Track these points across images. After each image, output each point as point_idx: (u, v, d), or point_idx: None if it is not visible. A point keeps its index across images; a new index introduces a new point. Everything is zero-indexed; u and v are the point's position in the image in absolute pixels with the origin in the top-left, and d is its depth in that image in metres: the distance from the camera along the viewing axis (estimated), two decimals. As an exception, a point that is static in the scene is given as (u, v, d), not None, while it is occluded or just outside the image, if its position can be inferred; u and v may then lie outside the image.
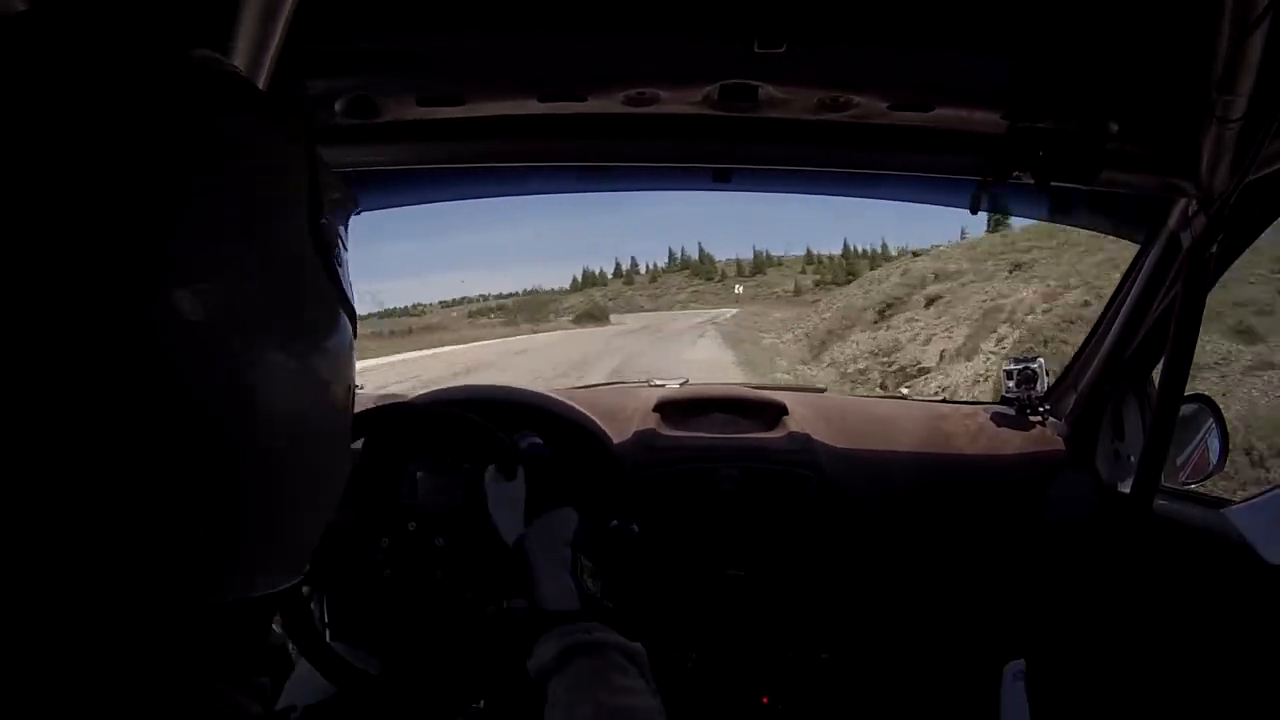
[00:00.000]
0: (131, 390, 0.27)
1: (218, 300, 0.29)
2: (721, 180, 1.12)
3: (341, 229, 0.38)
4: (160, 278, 0.27)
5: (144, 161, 0.28)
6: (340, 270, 0.37)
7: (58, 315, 0.25)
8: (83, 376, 0.26)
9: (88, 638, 0.28)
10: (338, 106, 0.88)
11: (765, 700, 1.25)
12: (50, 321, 0.25)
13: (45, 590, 0.27)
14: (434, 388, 1.28)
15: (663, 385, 1.53)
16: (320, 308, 0.35)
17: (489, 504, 0.78)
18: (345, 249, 0.38)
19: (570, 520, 0.72)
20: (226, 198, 0.30)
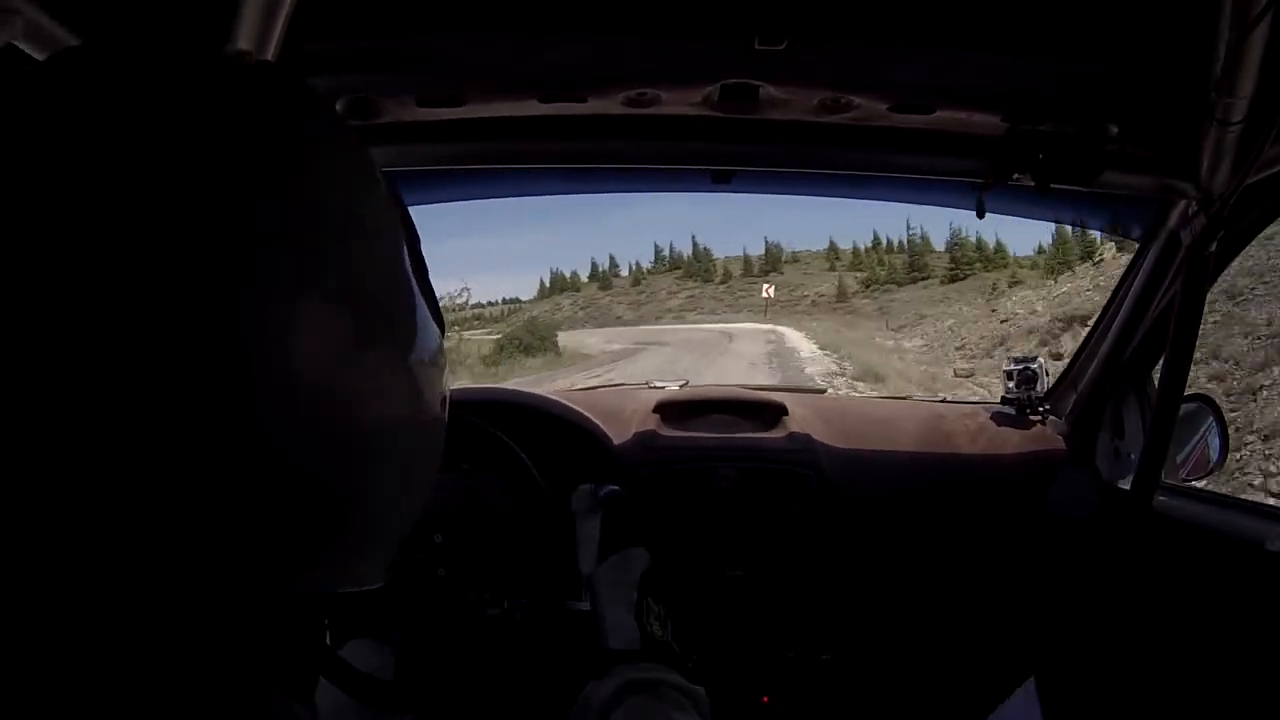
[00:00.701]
0: (232, 391, 0.27)
1: (326, 309, 0.29)
2: (722, 181, 1.12)
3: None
4: (278, 287, 0.28)
5: (246, 175, 0.28)
6: (429, 281, 0.37)
7: (165, 325, 0.26)
8: (183, 378, 0.26)
9: (163, 626, 0.29)
10: (337, 108, 0.87)
11: (765, 700, 1.25)
12: (158, 330, 0.26)
13: (119, 575, 0.28)
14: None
15: (662, 387, 1.53)
16: (417, 315, 0.35)
17: (576, 539, 0.80)
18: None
19: (640, 561, 0.73)
20: (330, 207, 0.31)
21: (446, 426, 0.39)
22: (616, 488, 0.83)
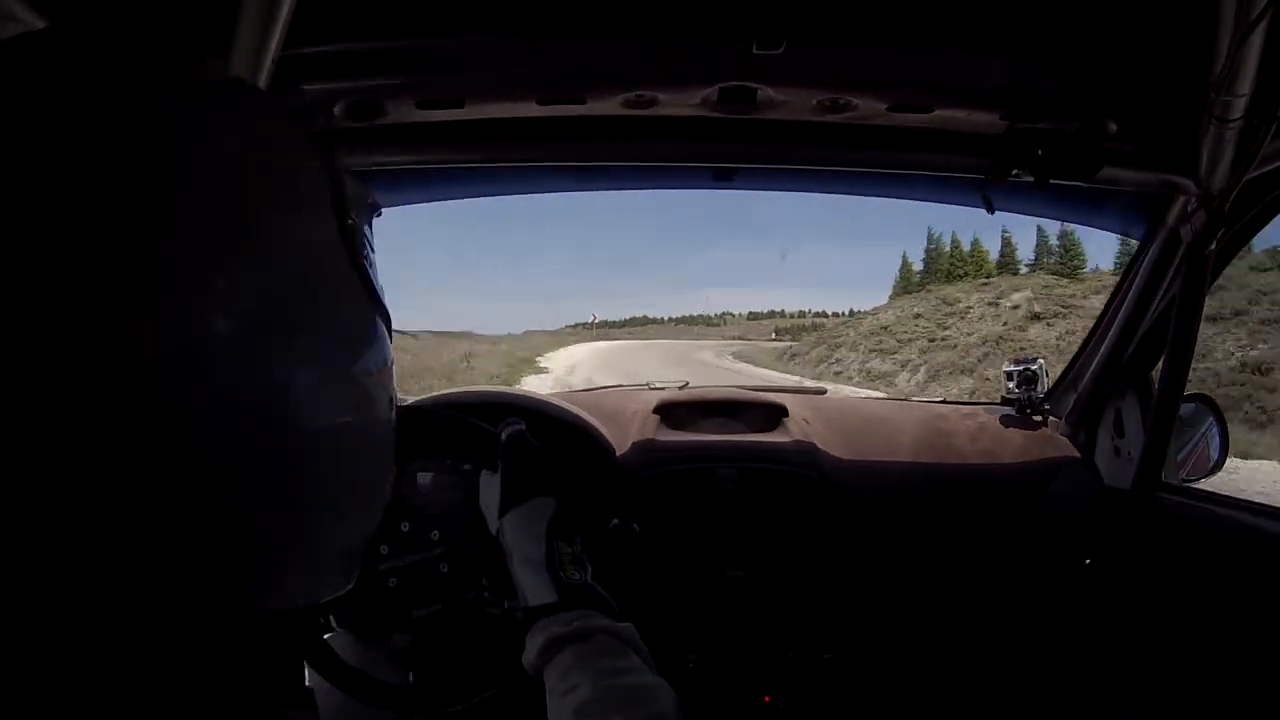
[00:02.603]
0: (151, 397, 0.26)
1: (242, 306, 0.28)
2: (723, 180, 1.12)
3: (368, 230, 0.38)
4: (173, 288, 0.27)
5: (142, 169, 0.27)
6: (371, 271, 0.36)
7: (63, 328, 0.25)
8: (98, 388, 0.25)
9: (128, 649, 0.28)
10: (337, 110, 0.87)
11: (767, 700, 1.25)
12: (56, 335, 0.25)
13: (80, 601, 0.27)
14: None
15: (663, 388, 1.53)
16: (353, 312, 0.34)
17: (480, 500, 0.77)
18: (372, 250, 0.38)
19: (545, 510, 0.69)
20: (235, 199, 0.30)
21: (396, 429, 0.38)
22: (521, 426, 0.79)
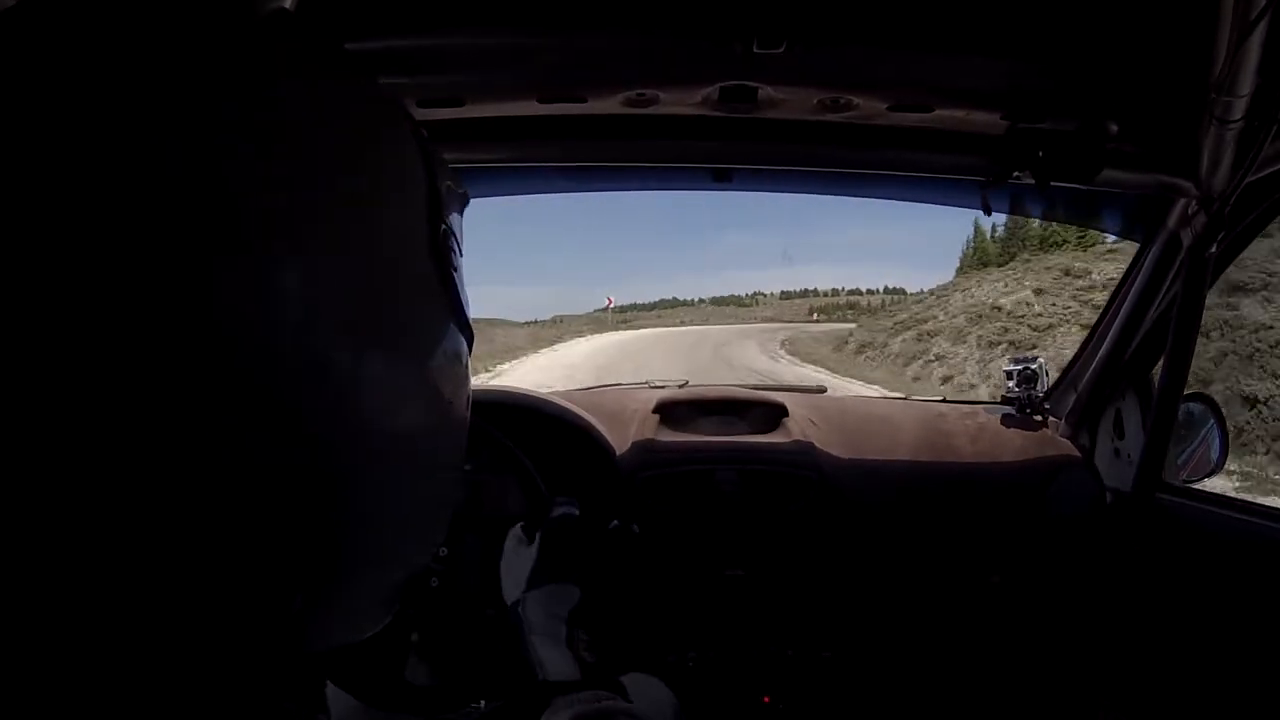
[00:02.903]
0: (195, 384, 0.22)
1: (318, 291, 0.25)
2: (722, 180, 1.12)
3: (457, 229, 0.34)
4: (230, 259, 0.23)
5: (213, 121, 0.23)
6: (456, 276, 0.33)
7: (106, 311, 0.21)
8: (132, 381, 0.21)
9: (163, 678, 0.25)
10: None
11: (766, 700, 1.25)
12: (98, 320, 0.21)
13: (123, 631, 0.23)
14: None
15: (663, 387, 1.53)
16: (431, 320, 0.31)
17: (501, 559, 0.78)
18: (460, 253, 0.34)
19: (569, 598, 0.72)
20: (314, 171, 0.26)
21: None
22: (575, 511, 0.80)
